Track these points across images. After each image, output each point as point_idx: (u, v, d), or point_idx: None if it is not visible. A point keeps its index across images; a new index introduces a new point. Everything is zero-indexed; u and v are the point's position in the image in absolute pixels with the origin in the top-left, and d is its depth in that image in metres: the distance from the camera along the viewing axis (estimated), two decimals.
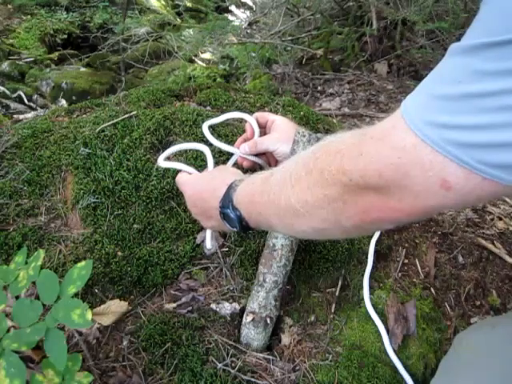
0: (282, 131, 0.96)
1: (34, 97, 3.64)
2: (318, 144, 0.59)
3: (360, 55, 3.54)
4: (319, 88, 3.43)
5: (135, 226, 1.17)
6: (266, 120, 1.01)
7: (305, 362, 0.97)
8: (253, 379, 0.92)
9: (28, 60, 4.29)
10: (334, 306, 1.10)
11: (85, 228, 1.17)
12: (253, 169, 1.01)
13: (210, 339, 0.99)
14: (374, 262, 1.16)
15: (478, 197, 0.43)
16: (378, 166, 0.46)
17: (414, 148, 0.43)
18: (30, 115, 2.63)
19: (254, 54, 3.72)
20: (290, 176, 0.58)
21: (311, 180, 0.54)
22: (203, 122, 1.10)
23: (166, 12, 5.82)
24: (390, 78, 3.44)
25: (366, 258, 1.17)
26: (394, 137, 0.46)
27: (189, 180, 0.91)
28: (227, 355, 0.96)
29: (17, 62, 4.11)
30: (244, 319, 1.01)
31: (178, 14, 6.01)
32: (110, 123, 1.33)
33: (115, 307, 1.02)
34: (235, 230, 0.75)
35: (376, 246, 1.19)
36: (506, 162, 0.39)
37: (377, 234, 1.22)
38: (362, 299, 1.09)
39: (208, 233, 0.98)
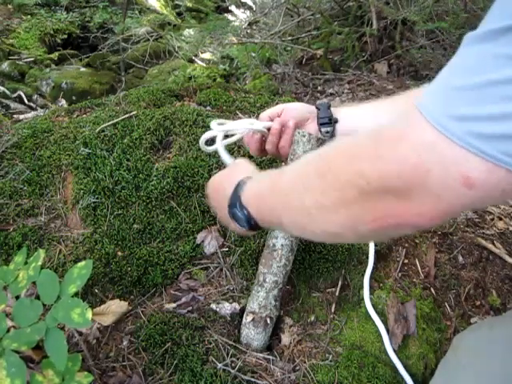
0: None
1: (34, 97, 3.64)
2: (329, 146, 0.57)
3: (360, 55, 3.54)
4: (319, 88, 3.43)
5: (135, 225, 1.17)
6: (274, 116, 0.98)
7: (305, 362, 0.97)
8: (253, 379, 0.92)
9: (28, 60, 4.29)
10: (334, 306, 1.10)
11: (85, 228, 1.17)
12: (261, 154, 0.99)
13: (210, 339, 0.99)
14: (374, 262, 1.16)
15: (503, 192, 0.41)
16: (397, 167, 0.44)
17: (433, 145, 0.41)
18: (30, 115, 2.63)
19: (254, 54, 3.72)
20: (302, 178, 0.57)
21: (326, 184, 0.52)
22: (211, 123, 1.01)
23: (166, 12, 5.81)
24: (390, 77, 3.44)
25: (366, 258, 1.17)
26: (411, 135, 0.44)
27: (210, 181, 0.89)
28: (227, 355, 0.96)
29: (17, 62, 4.11)
30: (244, 319, 1.01)
31: (179, 14, 6.01)
32: (110, 123, 1.33)
33: (115, 307, 1.02)
34: (244, 229, 0.73)
35: (376, 246, 1.19)
36: None
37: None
38: (362, 299, 1.09)
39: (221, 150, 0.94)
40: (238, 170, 0.82)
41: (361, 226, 0.51)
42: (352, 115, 0.92)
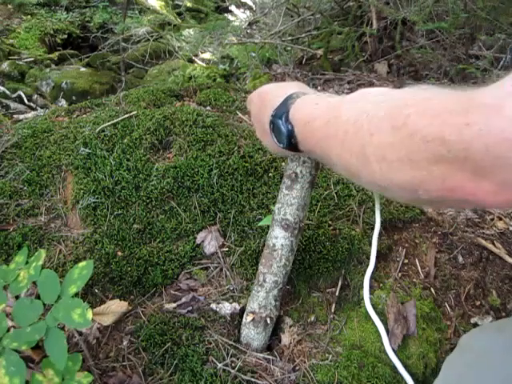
0: None
1: (34, 97, 3.64)
2: (408, 92, 0.50)
3: (360, 55, 3.54)
4: (319, 88, 3.43)
5: (135, 225, 1.17)
6: None
7: (305, 362, 0.97)
8: (253, 379, 0.92)
9: (28, 60, 4.29)
10: (334, 306, 1.10)
11: (85, 228, 1.17)
12: None
13: (210, 339, 0.99)
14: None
15: None
16: (488, 139, 0.38)
17: None
18: (29, 115, 2.63)
19: (253, 54, 3.72)
20: (370, 121, 0.49)
21: (397, 138, 0.46)
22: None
23: (166, 12, 5.81)
24: (390, 77, 3.44)
25: (367, 258, 1.17)
26: (510, 105, 0.38)
27: (257, 89, 0.80)
28: (227, 355, 0.96)
29: (17, 62, 4.11)
30: (244, 319, 1.01)
31: (179, 14, 6.02)
32: (109, 123, 1.33)
33: (115, 307, 1.02)
34: (281, 146, 0.66)
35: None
36: None
37: (377, 232, 1.21)
38: (362, 299, 1.09)
39: None
40: (290, 84, 0.74)
41: (422, 192, 0.46)
42: None
